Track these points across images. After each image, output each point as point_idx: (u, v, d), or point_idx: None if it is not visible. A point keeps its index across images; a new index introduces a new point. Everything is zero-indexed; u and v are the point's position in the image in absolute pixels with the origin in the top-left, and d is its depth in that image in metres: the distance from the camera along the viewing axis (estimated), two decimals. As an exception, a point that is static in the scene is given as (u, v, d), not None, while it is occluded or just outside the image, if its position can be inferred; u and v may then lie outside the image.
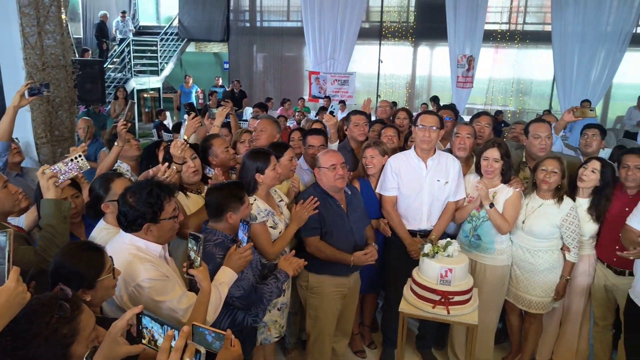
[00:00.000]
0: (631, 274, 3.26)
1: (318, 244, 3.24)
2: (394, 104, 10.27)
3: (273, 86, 14.63)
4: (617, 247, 3.32)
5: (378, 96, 13.55)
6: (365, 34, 13.44)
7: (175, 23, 15.27)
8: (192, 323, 1.60)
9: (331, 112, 4.44)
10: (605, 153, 5.64)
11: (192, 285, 2.43)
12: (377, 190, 3.75)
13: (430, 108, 9.90)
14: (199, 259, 2.20)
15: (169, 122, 10.96)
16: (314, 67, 13.00)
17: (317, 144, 3.82)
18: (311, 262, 3.18)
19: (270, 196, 3.17)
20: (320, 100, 12.28)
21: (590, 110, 4.20)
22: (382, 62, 13.58)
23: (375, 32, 13.56)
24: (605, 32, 10.88)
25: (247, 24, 15.05)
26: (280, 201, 3.26)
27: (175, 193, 2.40)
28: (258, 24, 15.04)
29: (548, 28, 11.53)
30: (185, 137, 3.36)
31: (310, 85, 13.00)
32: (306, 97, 12.91)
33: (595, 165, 3.43)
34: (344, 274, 3.35)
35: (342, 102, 11.45)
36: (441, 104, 9.91)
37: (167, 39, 15.04)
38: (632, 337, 3.33)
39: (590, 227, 3.50)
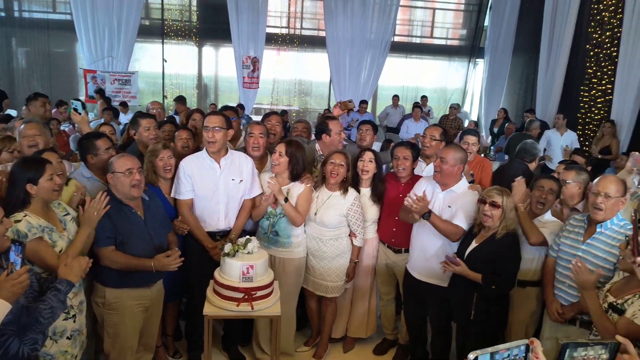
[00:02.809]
0: (407, 251, 3.77)
1: (112, 254, 2.98)
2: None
3: (41, 85, 12.90)
4: (394, 229, 3.80)
5: (165, 97, 13.08)
6: (147, 32, 12.82)
7: None
8: None
9: (75, 109, 4.02)
10: (376, 146, 6.39)
11: None
12: (172, 195, 3.61)
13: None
14: None
15: None
16: (89, 65, 11.93)
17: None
18: (107, 276, 2.91)
19: (50, 210, 2.78)
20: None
21: (349, 102, 5.11)
22: (166, 61, 13.14)
23: (157, 30, 13.03)
24: (370, 39, 12.40)
25: (2, 14, 13.00)
26: (65, 215, 2.88)
27: None
28: (16, 14, 13.08)
29: (323, 34, 12.55)
30: None
31: (87, 85, 11.91)
32: (82, 98, 11.75)
33: (369, 156, 3.85)
34: (145, 285, 3.15)
35: (124, 103, 10.71)
36: (228, 104, 9.94)
37: None
38: (408, 302, 3.86)
39: (373, 212, 3.91)
